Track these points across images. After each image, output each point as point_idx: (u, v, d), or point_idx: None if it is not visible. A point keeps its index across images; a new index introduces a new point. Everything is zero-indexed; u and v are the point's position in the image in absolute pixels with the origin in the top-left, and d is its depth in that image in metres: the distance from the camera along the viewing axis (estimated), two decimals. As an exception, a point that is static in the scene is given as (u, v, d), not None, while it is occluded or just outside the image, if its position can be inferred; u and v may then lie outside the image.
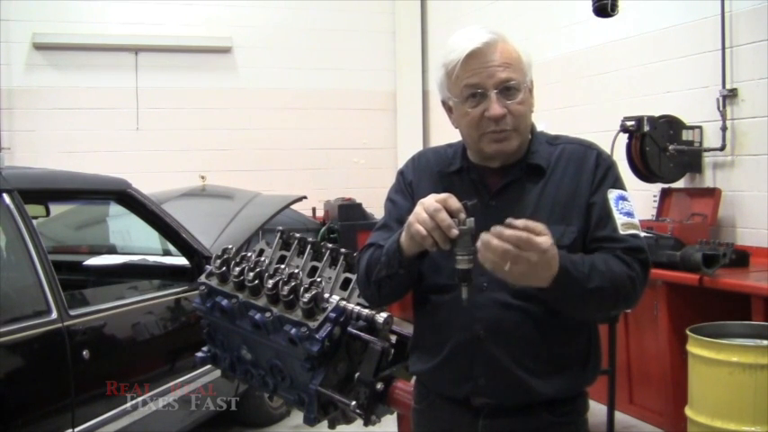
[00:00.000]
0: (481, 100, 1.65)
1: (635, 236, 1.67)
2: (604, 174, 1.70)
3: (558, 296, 1.55)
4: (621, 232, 1.65)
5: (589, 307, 1.64)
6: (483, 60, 1.64)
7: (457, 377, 1.71)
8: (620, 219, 1.66)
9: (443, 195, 1.54)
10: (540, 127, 1.81)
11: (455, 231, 1.50)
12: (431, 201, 1.53)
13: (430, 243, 1.52)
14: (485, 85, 1.64)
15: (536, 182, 1.71)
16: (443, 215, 1.50)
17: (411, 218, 1.56)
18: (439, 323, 1.72)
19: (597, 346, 1.77)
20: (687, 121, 4.44)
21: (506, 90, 1.64)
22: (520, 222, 1.45)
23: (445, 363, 1.72)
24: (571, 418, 1.73)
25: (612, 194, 1.68)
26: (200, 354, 2.80)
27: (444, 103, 1.77)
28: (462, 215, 1.52)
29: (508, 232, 1.44)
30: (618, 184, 1.72)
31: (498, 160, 1.72)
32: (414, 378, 1.93)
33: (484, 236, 1.46)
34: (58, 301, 2.78)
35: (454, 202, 1.52)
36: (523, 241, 1.43)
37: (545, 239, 1.45)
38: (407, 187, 1.82)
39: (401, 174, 1.86)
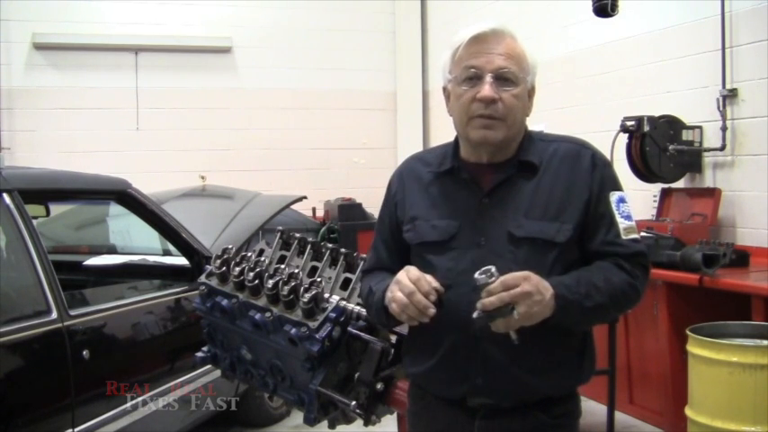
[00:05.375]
0: (476, 83, 1.67)
1: (636, 240, 1.70)
2: (603, 175, 1.71)
3: (560, 320, 1.60)
4: (623, 237, 1.67)
5: (593, 321, 1.74)
6: (486, 45, 1.67)
7: (453, 378, 1.71)
8: (621, 223, 1.68)
9: (416, 276, 1.59)
10: (539, 127, 1.82)
11: (432, 311, 1.57)
12: (406, 281, 1.59)
13: (407, 319, 1.61)
14: (482, 68, 1.66)
15: (529, 179, 1.70)
16: (418, 297, 1.57)
17: (388, 294, 1.63)
18: (433, 325, 1.71)
19: (591, 344, 1.78)
20: (687, 121, 4.44)
21: (502, 78, 1.66)
22: (495, 285, 1.51)
23: (441, 364, 1.72)
24: (566, 420, 1.74)
25: (614, 197, 1.69)
26: (200, 354, 2.80)
27: (444, 89, 1.78)
28: (432, 297, 1.57)
29: (489, 299, 1.50)
30: (617, 184, 1.73)
31: (485, 152, 1.72)
32: (412, 379, 1.94)
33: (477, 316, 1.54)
34: (58, 301, 2.78)
35: (424, 285, 1.57)
36: (512, 297, 1.50)
37: (525, 284, 1.51)
38: (392, 200, 1.85)
39: (388, 186, 1.89)
